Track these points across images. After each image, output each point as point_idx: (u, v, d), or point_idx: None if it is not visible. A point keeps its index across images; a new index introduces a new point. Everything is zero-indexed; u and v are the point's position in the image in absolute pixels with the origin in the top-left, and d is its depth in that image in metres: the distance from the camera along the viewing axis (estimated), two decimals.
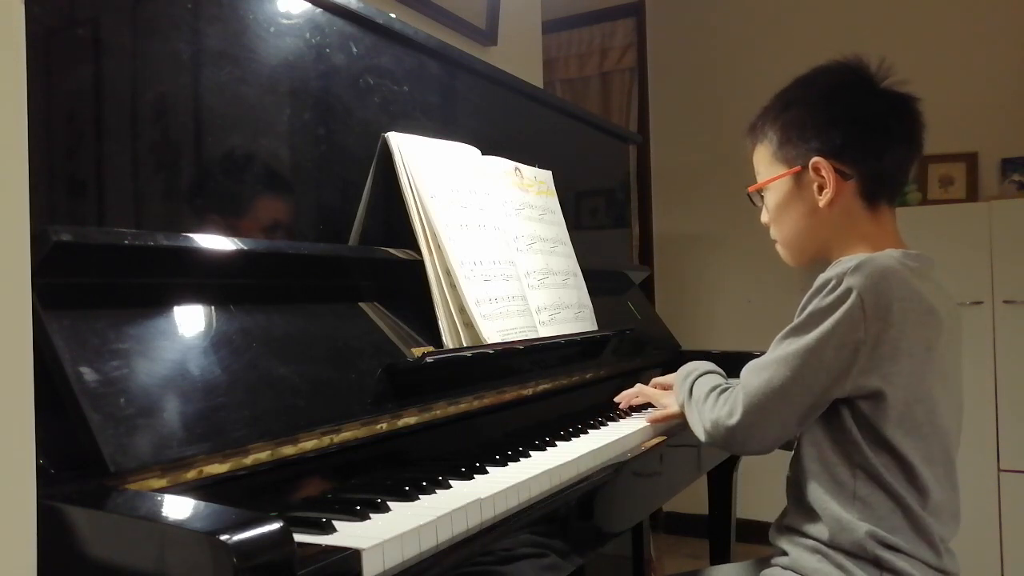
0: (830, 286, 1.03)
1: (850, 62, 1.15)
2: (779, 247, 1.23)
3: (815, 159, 1.11)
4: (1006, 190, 2.96)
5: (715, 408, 1.14)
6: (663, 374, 1.96)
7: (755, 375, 1.08)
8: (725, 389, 1.17)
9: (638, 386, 1.49)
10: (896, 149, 1.12)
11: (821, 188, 1.12)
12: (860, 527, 1.02)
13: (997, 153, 3.00)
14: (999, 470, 2.64)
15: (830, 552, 1.04)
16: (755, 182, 1.22)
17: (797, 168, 1.14)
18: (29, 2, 0.65)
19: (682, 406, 1.27)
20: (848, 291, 1.00)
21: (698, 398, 1.21)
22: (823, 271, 1.07)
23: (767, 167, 1.20)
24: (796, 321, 1.06)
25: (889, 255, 1.05)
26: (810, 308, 1.04)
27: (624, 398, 1.49)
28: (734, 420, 1.09)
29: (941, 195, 3.03)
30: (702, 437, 1.17)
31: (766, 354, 1.09)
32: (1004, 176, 2.98)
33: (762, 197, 1.22)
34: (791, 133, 1.15)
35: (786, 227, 1.19)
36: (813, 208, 1.14)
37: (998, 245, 2.68)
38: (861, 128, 1.11)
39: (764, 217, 1.24)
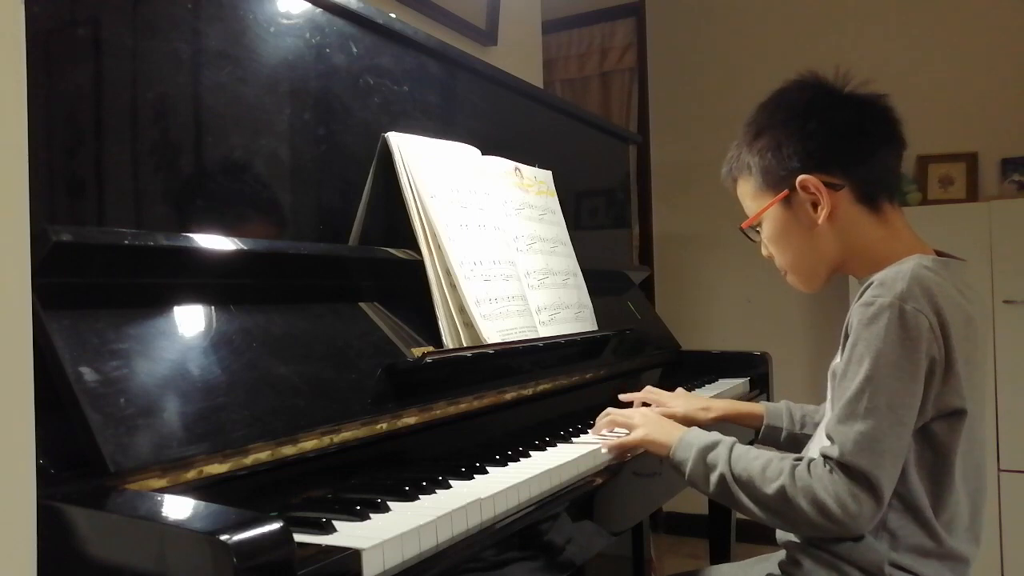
0: (888, 314, 0.96)
1: (808, 77, 1.14)
2: (789, 277, 1.19)
3: (801, 177, 1.09)
4: (1006, 190, 2.96)
5: (811, 494, 0.96)
6: (663, 374, 1.97)
7: (860, 448, 0.94)
8: (797, 465, 0.99)
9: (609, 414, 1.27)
10: (879, 149, 1.10)
11: (815, 205, 1.09)
12: (884, 555, 1.00)
13: (997, 153, 3.00)
14: (999, 470, 2.63)
15: (844, 566, 1.02)
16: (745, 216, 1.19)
17: (785, 192, 1.12)
18: (29, 2, 0.65)
19: (700, 480, 1.07)
20: (914, 313, 0.96)
21: (753, 474, 1.01)
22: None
23: (753, 200, 1.17)
24: (870, 365, 0.96)
25: (923, 266, 1.01)
26: (876, 343, 0.96)
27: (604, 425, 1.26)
28: (862, 502, 0.94)
29: (941, 195, 3.03)
30: (775, 523, 1.02)
31: (843, 410, 0.98)
32: (1004, 176, 2.98)
33: (758, 231, 1.19)
34: (769, 159, 1.12)
35: (790, 253, 1.16)
36: (811, 227, 1.11)
37: (998, 245, 2.68)
38: (839, 136, 1.09)
39: (765, 251, 1.20)
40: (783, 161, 1.11)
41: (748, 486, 1.01)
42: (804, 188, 1.09)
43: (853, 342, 0.99)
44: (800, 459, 1.00)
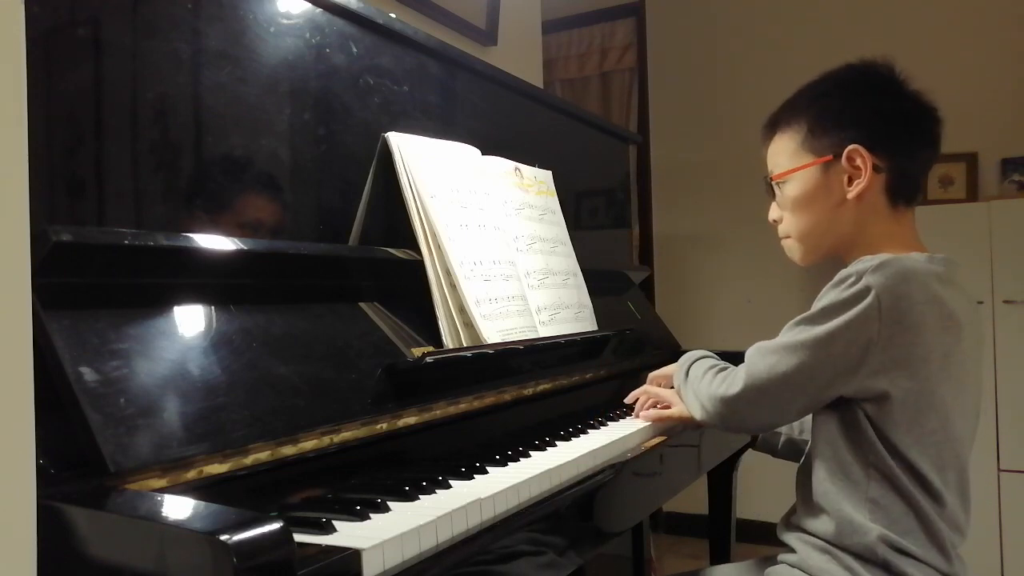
0: (849, 281, 1.02)
1: (882, 63, 1.14)
2: (791, 243, 1.20)
3: (852, 147, 1.09)
4: (1006, 190, 2.96)
5: (713, 384, 1.16)
6: None
7: (760, 357, 1.09)
8: (723, 369, 1.19)
9: (645, 387, 1.43)
10: (924, 149, 1.13)
11: (851, 179, 1.10)
12: (871, 530, 1.01)
13: (997, 153, 3.00)
14: (999, 470, 2.64)
15: (839, 553, 1.03)
16: (762, 179, 1.20)
17: (828, 157, 1.11)
18: (29, 2, 0.65)
19: (679, 389, 1.28)
20: (867, 289, 0.99)
21: (695, 377, 1.22)
22: (830, 270, 1.07)
23: (790, 157, 1.16)
24: (811, 311, 1.05)
25: (914, 258, 1.04)
26: (826, 301, 1.03)
27: (635, 399, 1.43)
28: (732, 393, 1.10)
29: (941, 195, 3.03)
30: (698, 414, 1.19)
31: (775, 339, 1.09)
32: (1004, 176, 2.98)
33: (778, 190, 1.18)
34: (825, 121, 1.13)
35: (806, 220, 1.16)
36: (839, 200, 1.12)
37: (998, 245, 2.68)
38: (901, 122, 1.11)
39: (774, 213, 1.21)
40: (840, 126, 1.11)
41: (700, 365, 1.24)
42: (850, 159, 1.10)
43: (816, 300, 1.06)
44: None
